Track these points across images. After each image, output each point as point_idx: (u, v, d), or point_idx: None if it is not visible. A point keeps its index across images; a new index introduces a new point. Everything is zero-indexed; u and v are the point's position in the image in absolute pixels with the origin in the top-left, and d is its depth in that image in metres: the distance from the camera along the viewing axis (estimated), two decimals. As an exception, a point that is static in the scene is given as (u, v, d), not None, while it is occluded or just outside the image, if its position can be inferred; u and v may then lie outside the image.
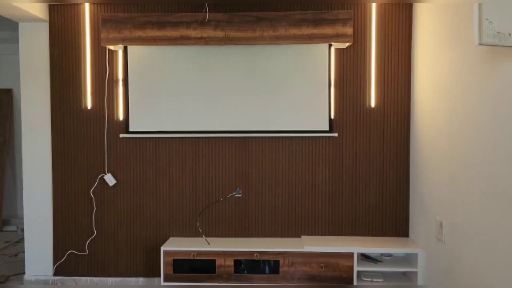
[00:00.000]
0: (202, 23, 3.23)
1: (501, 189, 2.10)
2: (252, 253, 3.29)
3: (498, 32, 1.80)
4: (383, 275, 3.34)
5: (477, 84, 2.35)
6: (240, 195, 3.56)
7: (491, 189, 2.20)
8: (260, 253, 3.29)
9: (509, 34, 1.81)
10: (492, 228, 2.19)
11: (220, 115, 3.48)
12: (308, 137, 3.50)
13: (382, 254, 3.42)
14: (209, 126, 3.50)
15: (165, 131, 3.52)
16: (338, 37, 3.22)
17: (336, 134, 3.46)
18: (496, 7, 1.81)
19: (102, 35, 3.28)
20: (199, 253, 3.31)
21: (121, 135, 3.52)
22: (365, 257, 3.40)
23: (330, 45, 3.40)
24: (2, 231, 5.52)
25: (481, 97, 2.30)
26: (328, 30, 3.21)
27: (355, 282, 3.22)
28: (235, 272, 3.30)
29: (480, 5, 1.79)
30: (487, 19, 1.78)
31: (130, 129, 3.54)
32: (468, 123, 2.46)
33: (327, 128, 3.47)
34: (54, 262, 3.63)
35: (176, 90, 3.47)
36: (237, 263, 3.30)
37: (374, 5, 3.43)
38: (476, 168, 2.36)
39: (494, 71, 2.17)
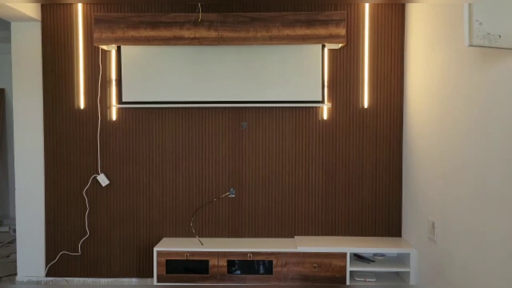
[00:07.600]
0: (196, 23, 3.23)
1: (492, 189, 2.11)
2: (245, 253, 3.29)
3: (488, 34, 1.80)
4: (376, 275, 3.35)
5: (467, 85, 2.37)
6: (233, 196, 3.56)
7: (482, 189, 2.22)
8: (254, 253, 3.29)
9: (499, 36, 1.82)
10: (483, 228, 2.20)
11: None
12: (302, 138, 3.51)
13: (375, 254, 3.43)
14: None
15: (160, 106, 3.52)
16: (331, 38, 3.23)
17: (330, 105, 3.46)
18: (486, 8, 1.81)
19: (95, 35, 3.27)
20: (192, 253, 3.30)
21: (114, 105, 3.50)
22: (358, 257, 3.41)
23: (323, 46, 3.41)
24: (-6, 231, 5.50)
25: (472, 98, 2.32)
26: (321, 30, 3.22)
27: (348, 282, 3.23)
28: (228, 272, 3.30)
29: (470, 6, 1.80)
30: (477, 21, 1.79)
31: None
32: (459, 123, 2.48)
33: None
34: (47, 263, 3.61)
35: (170, 90, 3.45)
36: (230, 263, 3.30)
37: (367, 6, 3.45)
38: (467, 168, 2.38)
39: (484, 72, 2.19)
